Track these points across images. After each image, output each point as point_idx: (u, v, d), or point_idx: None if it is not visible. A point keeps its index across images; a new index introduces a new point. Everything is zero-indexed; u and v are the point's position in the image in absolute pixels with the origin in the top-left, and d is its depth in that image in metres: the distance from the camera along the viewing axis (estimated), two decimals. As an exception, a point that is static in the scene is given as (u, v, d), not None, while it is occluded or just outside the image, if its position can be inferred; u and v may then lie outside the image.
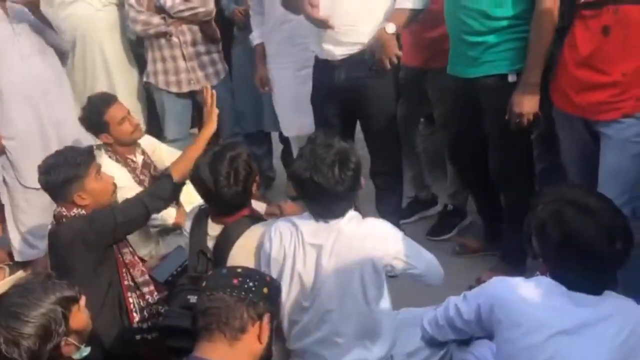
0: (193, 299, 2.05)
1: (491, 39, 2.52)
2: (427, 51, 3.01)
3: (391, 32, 2.59)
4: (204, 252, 2.17)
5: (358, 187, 1.96)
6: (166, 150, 3.19)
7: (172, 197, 2.42)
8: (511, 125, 2.51)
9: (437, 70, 3.02)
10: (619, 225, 1.54)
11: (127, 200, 2.37)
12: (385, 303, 2.04)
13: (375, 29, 2.64)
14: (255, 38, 3.37)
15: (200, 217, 2.24)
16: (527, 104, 2.46)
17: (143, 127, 3.57)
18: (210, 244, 2.19)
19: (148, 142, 3.12)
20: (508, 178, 2.73)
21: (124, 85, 3.58)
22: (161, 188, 2.38)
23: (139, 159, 3.01)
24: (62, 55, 3.28)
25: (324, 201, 1.91)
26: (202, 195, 2.19)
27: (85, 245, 2.23)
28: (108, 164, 2.86)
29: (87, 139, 3.06)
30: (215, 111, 2.48)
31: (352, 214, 1.97)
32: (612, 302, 1.58)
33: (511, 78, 2.54)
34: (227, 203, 2.14)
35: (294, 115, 3.34)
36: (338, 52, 2.69)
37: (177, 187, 2.39)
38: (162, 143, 3.29)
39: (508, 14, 2.48)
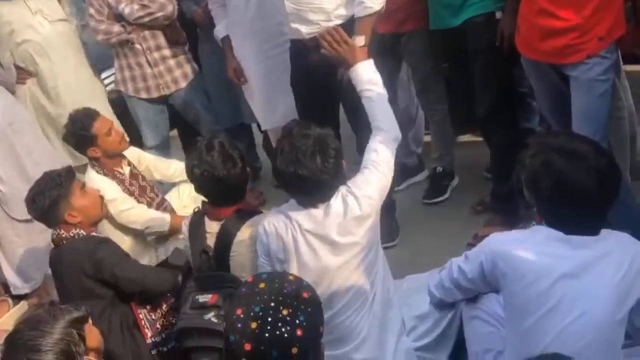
0: (202, 298, 2.10)
1: None
2: (399, 15, 3.02)
3: (361, 45, 2.52)
4: (206, 251, 2.19)
5: (342, 171, 1.98)
6: (152, 159, 3.22)
7: (170, 289, 2.43)
8: (504, 48, 2.61)
9: (411, 33, 3.07)
10: (606, 165, 1.58)
11: (134, 265, 2.41)
12: (381, 254, 2.11)
13: (338, 5, 2.62)
14: (220, 31, 3.33)
15: (196, 219, 2.26)
16: (503, 22, 2.60)
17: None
18: (210, 241, 2.21)
19: (132, 153, 3.12)
20: (497, 118, 2.80)
21: (92, 102, 3.36)
22: (163, 278, 2.41)
23: (126, 170, 3.02)
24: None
25: (311, 192, 1.94)
26: (208, 189, 2.19)
27: (83, 273, 2.29)
28: (97, 179, 2.89)
29: (61, 161, 3.05)
30: None
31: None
32: (610, 240, 1.62)
33: (498, 15, 2.64)
34: (236, 185, 2.18)
35: (264, 109, 3.34)
36: (306, 30, 2.68)
37: (176, 279, 2.41)
38: (145, 152, 3.29)
39: None
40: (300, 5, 2.64)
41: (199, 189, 2.23)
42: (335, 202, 1.97)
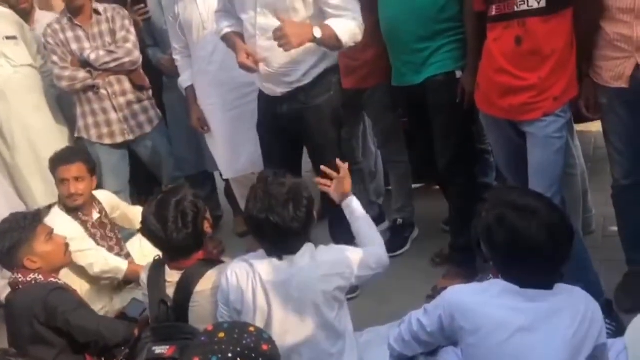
0: (159, 349, 2.06)
1: (436, 42, 2.72)
2: (362, 71, 3.12)
3: (316, 35, 2.50)
4: (165, 301, 2.15)
5: (312, 222, 2.01)
6: (127, 208, 3.21)
7: (120, 338, 2.37)
8: (465, 104, 2.71)
9: (373, 88, 3.17)
10: (558, 221, 1.63)
11: (88, 314, 2.36)
12: (348, 323, 2.11)
13: (311, 66, 2.69)
14: (185, 81, 3.39)
15: (156, 267, 2.23)
16: (464, 79, 2.70)
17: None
18: (170, 291, 2.17)
19: (108, 200, 3.10)
20: (456, 172, 2.87)
21: (49, 149, 3.27)
22: (118, 329, 2.37)
23: (95, 216, 2.98)
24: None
25: (280, 239, 1.96)
26: (155, 245, 2.18)
27: (36, 319, 2.24)
28: (59, 215, 2.87)
29: (19, 207, 3.01)
30: None
31: (306, 246, 2.02)
32: (563, 294, 1.66)
33: (458, 74, 2.74)
34: (180, 247, 2.14)
35: (227, 157, 3.37)
36: (279, 90, 2.74)
37: (129, 335, 2.37)
38: (122, 201, 3.27)
39: (449, 16, 2.68)
40: (276, 69, 2.68)
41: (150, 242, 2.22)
42: (302, 257, 1.99)
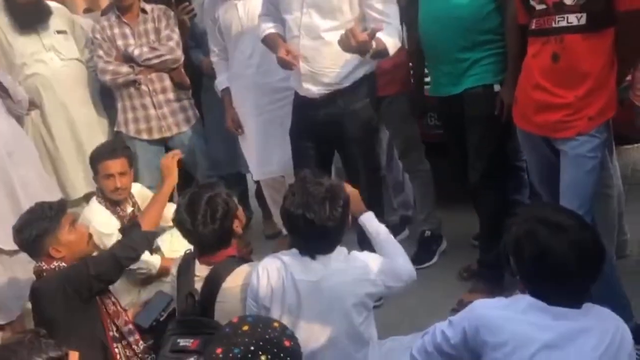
0: (183, 342, 2.09)
1: (476, 54, 2.71)
2: (381, 80, 3.11)
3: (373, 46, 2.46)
4: (192, 295, 2.18)
5: (347, 223, 2.02)
6: None
7: (143, 245, 2.45)
8: (502, 117, 2.70)
9: (393, 97, 3.20)
10: (590, 240, 1.61)
11: (99, 254, 2.42)
12: (373, 331, 2.11)
13: (352, 69, 2.71)
14: (221, 83, 3.44)
15: (187, 260, 2.26)
16: (503, 92, 2.70)
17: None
18: (198, 285, 2.20)
19: (140, 194, 3.17)
20: (487, 187, 2.86)
21: (91, 141, 3.49)
22: (131, 238, 2.42)
23: (129, 210, 3.05)
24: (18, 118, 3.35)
25: (314, 237, 1.98)
26: (184, 236, 2.22)
27: (65, 298, 2.25)
28: (98, 209, 2.97)
29: (58, 197, 3.08)
30: (175, 166, 2.60)
31: (339, 249, 2.03)
32: (591, 313, 1.63)
33: (496, 87, 2.74)
34: (206, 242, 2.17)
35: (258, 160, 3.42)
36: (316, 90, 2.76)
37: (147, 236, 2.44)
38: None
39: (490, 27, 2.68)
40: (317, 68, 2.71)
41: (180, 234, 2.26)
42: (336, 259, 2.01)
